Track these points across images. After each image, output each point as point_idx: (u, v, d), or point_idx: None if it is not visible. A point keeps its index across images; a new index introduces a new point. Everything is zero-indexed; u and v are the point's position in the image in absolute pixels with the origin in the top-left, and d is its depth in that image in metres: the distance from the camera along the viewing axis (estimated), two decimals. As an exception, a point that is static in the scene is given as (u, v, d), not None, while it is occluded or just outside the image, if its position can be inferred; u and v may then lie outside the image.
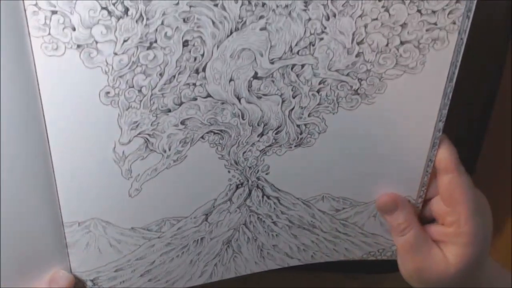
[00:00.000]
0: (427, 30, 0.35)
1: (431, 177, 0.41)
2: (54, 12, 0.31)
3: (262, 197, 0.41)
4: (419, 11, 0.34)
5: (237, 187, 0.40)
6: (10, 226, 0.37)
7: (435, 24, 0.35)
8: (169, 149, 0.37)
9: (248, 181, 0.40)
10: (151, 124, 0.36)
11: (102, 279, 0.41)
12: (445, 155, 0.40)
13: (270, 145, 0.39)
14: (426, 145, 0.39)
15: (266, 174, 0.40)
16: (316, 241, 0.45)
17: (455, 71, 0.36)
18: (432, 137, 0.39)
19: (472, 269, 0.41)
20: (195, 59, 0.34)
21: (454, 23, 0.35)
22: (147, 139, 0.36)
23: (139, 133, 0.36)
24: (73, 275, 0.40)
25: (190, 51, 0.34)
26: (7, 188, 0.35)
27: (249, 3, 0.33)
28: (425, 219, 0.44)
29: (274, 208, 0.42)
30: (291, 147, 0.39)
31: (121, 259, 0.40)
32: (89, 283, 0.41)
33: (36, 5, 0.31)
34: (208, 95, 0.36)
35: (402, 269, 0.44)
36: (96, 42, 0.32)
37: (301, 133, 0.39)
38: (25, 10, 0.31)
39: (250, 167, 0.40)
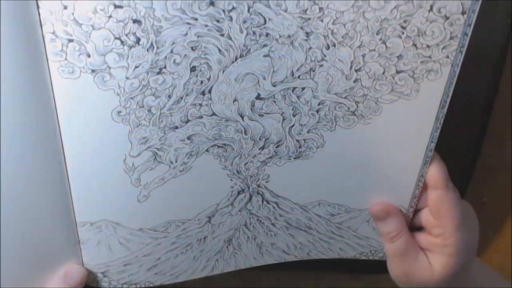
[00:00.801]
0: (421, 62, 0.37)
1: (422, 190, 0.44)
2: (70, 40, 0.33)
3: (262, 201, 0.44)
4: (414, 45, 0.36)
5: (238, 193, 0.43)
6: (29, 225, 0.40)
7: (430, 57, 0.37)
8: (176, 161, 0.40)
9: (249, 188, 0.43)
10: (159, 139, 0.38)
11: (111, 272, 0.44)
12: (435, 172, 0.42)
13: (270, 157, 0.42)
14: (418, 163, 0.42)
15: (266, 182, 0.43)
16: (312, 241, 0.48)
17: (447, 99, 0.38)
18: (424, 156, 0.41)
19: (455, 277, 0.44)
20: (201, 82, 0.37)
21: (447, 57, 0.36)
22: (155, 152, 0.39)
23: (148, 147, 0.38)
24: (85, 268, 0.43)
25: (197, 76, 0.36)
26: (27, 194, 0.38)
27: (254, 33, 0.35)
28: (414, 226, 0.46)
29: (273, 212, 0.45)
30: (290, 159, 0.42)
31: (130, 255, 0.44)
32: (99, 275, 0.44)
33: (53, 33, 0.33)
34: (213, 114, 0.38)
35: (391, 271, 0.47)
36: (109, 68, 0.35)
37: (300, 147, 0.41)
38: (43, 37, 0.33)
39: (251, 176, 0.42)
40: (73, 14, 0.32)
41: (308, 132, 0.41)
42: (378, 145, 0.41)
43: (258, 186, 0.43)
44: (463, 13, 0.35)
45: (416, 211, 0.46)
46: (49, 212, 0.40)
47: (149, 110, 0.37)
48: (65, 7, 0.32)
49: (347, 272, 0.55)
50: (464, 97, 0.48)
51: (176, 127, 0.38)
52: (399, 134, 0.40)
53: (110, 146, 0.38)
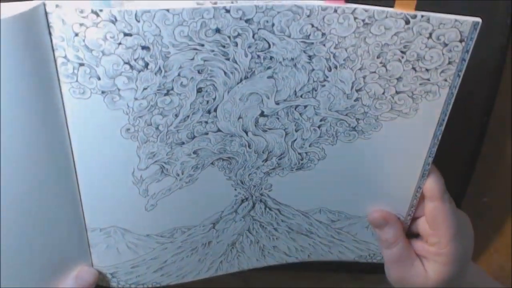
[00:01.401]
0: (420, 84, 0.38)
1: (420, 200, 0.45)
2: (81, 64, 0.35)
3: (265, 209, 0.46)
4: (413, 68, 0.37)
5: (242, 201, 0.45)
6: (43, 230, 0.42)
7: (428, 79, 0.38)
8: (182, 173, 0.41)
9: (252, 196, 0.45)
10: (167, 154, 0.40)
11: (120, 273, 0.46)
12: (432, 185, 0.44)
13: (273, 168, 0.43)
14: (415, 176, 0.43)
15: (269, 191, 0.45)
16: (313, 244, 0.50)
17: (445, 118, 0.40)
18: (421, 169, 0.43)
19: (448, 283, 0.46)
20: (207, 102, 0.38)
21: (445, 80, 0.38)
22: (162, 166, 0.40)
23: (156, 161, 0.40)
24: (96, 269, 0.46)
25: (203, 96, 0.38)
26: (42, 204, 0.40)
27: (258, 56, 0.36)
28: (411, 234, 0.48)
29: (275, 218, 0.47)
30: (292, 170, 0.44)
31: (137, 259, 0.46)
32: (108, 276, 0.47)
33: (65, 57, 0.34)
34: (219, 130, 0.40)
35: (388, 275, 0.49)
36: (119, 90, 0.36)
37: (302, 159, 0.43)
38: (55, 61, 0.35)
39: (254, 186, 0.44)
40: (84, 40, 0.34)
41: (310, 146, 0.42)
42: (377, 159, 0.43)
43: (261, 194, 0.45)
44: (461, 40, 0.36)
45: (414, 219, 0.47)
46: (62, 219, 0.42)
47: (157, 128, 0.38)
48: (76, 34, 0.33)
49: (347, 272, 0.57)
50: (464, 98, 0.49)
51: (183, 143, 0.40)
52: (398, 150, 0.42)
53: (119, 160, 0.39)
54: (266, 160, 0.42)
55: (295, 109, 0.40)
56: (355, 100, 0.39)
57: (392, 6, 0.35)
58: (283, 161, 0.43)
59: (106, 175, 0.40)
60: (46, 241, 0.42)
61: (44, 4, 0.33)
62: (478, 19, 0.35)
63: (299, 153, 0.42)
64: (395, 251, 0.46)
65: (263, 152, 0.42)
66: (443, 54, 0.36)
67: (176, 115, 0.38)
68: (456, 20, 0.35)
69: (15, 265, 0.42)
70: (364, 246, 0.50)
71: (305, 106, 0.40)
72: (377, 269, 0.53)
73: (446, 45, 0.36)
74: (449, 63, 0.37)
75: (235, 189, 0.44)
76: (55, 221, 0.42)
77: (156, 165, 0.40)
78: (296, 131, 0.41)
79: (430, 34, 0.35)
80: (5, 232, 0.40)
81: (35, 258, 0.43)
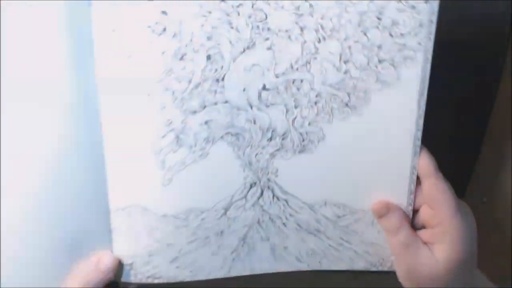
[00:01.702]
0: (398, 50, 0.44)
1: (417, 186, 0.48)
2: (113, 30, 0.43)
3: (273, 197, 0.50)
4: (390, 34, 0.44)
5: (251, 186, 0.49)
6: (68, 212, 0.46)
7: (404, 44, 0.44)
8: (195, 145, 0.47)
9: (260, 181, 0.49)
10: (181, 122, 0.46)
11: (137, 264, 0.49)
12: (424, 162, 0.47)
13: (278, 149, 0.48)
14: (408, 153, 0.47)
15: (276, 176, 0.49)
16: (322, 247, 0.52)
17: (425, 85, 0.45)
18: (413, 145, 0.47)
19: (459, 266, 0.47)
20: (216, 70, 0.45)
21: (419, 43, 0.44)
22: (177, 135, 0.46)
23: (172, 129, 0.46)
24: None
25: (212, 64, 0.45)
26: (67, 182, 0.46)
27: (257, 27, 0.44)
28: (416, 227, 0.50)
29: (284, 210, 0.50)
30: (295, 153, 0.48)
31: (154, 245, 0.49)
32: (126, 268, 0.49)
33: (99, 23, 0.43)
34: (226, 101, 0.46)
35: (397, 270, 0.50)
36: (142, 53, 0.43)
37: (303, 140, 0.48)
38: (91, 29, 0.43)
39: (261, 169, 0.48)
40: (115, 5, 0.42)
41: (309, 124, 0.47)
42: (370, 137, 0.47)
43: (268, 180, 0.49)
44: (426, 1, 0.43)
45: (415, 212, 0.50)
46: (87, 199, 0.47)
47: (173, 94, 0.45)
48: (111, 3, 0.42)
49: (347, 271, 0.56)
50: (464, 97, 0.52)
51: (195, 112, 0.46)
52: (388, 123, 0.47)
53: (142, 128, 0.45)
54: (270, 139, 0.48)
55: (293, 83, 0.46)
56: (344, 73, 0.45)
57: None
58: (286, 142, 0.48)
59: (129, 145, 0.46)
60: (68, 222, 0.47)
61: None
62: None
63: (300, 133, 0.47)
64: (401, 237, 0.48)
65: (267, 130, 0.47)
66: (413, 17, 0.43)
67: (189, 81, 0.45)
68: None
69: (36, 247, 0.46)
70: (372, 249, 0.52)
71: (301, 81, 0.46)
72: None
73: (414, 7, 0.43)
74: (420, 25, 0.43)
75: (244, 171, 0.48)
76: (81, 202, 0.46)
77: (172, 134, 0.46)
78: (295, 107, 0.47)
79: (398, -2, 0.43)
80: (30, 212, 0.45)
81: (58, 241, 0.47)
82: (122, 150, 0.46)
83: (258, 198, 0.49)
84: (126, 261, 0.49)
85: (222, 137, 0.47)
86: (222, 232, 0.50)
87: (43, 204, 0.46)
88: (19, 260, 0.46)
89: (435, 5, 0.43)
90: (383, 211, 0.49)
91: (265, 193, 0.49)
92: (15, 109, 0.43)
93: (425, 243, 0.48)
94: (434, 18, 0.43)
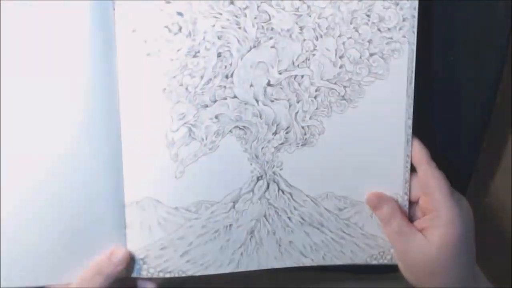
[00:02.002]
0: (386, 43, 0.50)
1: (415, 178, 0.52)
2: (133, 31, 0.47)
3: (278, 191, 0.53)
4: (379, 29, 0.50)
5: (257, 179, 0.52)
6: (84, 205, 0.49)
7: (391, 38, 0.50)
8: (206, 138, 0.50)
9: (266, 174, 0.52)
10: (193, 116, 0.50)
11: (150, 257, 0.51)
12: (417, 150, 0.52)
13: (282, 143, 0.52)
14: (401, 141, 0.52)
15: (280, 169, 0.53)
16: (326, 241, 0.55)
17: (412, 75, 0.51)
18: (404, 133, 0.52)
19: (453, 251, 0.49)
20: (225, 67, 0.49)
21: (404, 36, 0.50)
22: (190, 128, 0.50)
23: (185, 123, 0.49)
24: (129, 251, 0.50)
25: (222, 61, 0.49)
26: (83, 177, 0.48)
27: (262, 27, 0.49)
28: (417, 218, 0.53)
29: (288, 204, 0.53)
30: (298, 146, 0.52)
31: (166, 238, 0.51)
32: (139, 263, 0.51)
33: (122, 25, 0.47)
34: (235, 96, 0.50)
35: (398, 262, 0.53)
36: (159, 51, 0.48)
37: (305, 134, 0.52)
38: (114, 30, 0.47)
39: (267, 162, 0.52)
40: (137, 9, 0.47)
41: (310, 118, 0.52)
42: (365, 128, 0.52)
43: (274, 173, 0.53)
44: None
45: (411, 204, 0.54)
46: (103, 194, 0.49)
47: (186, 89, 0.49)
48: (132, 5, 0.47)
49: (347, 271, 0.57)
50: (464, 97, 0.54)
51: (207, 106, 0.50)
52: (381, 113, 0.52)
53: (156, 120, 0.49)
54: (275, 133, 0.52)
55: (295, 79, 0.51)
56: (340, 67, 0.51)
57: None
58: (290, 136, 0.52)
59: (145, 138, 0.49)
60: (84, 215, 0.49)
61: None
62: None
63: (302, 127, 0.52)
64: (394, 226, 0.51)
65: (272, 124, 0.52)
66: (397, 12, 0.49)
67: (202, 77, 0.49)
68: None
69: (52, 240, 0.48)
70: (372, 241, 0.55)
71: (302, 76, 0.51)
72: (377, 269, 0.56)
73: (397, 4, 0.49)
74: (403, 20, 0.50)
75: (251, 164, 0.52)
76: (96, 197, 0.49)
77: (185, 127, 0.50)
78: (298, 102, 0.51)
79: (384, -5, 0.49)
80: (46, 206, 0.47)
81: (73, 234, 0.49)
82: (138, 144, 0.49)
83: (265, 192, 0.52)
84: (139, 255, 0.51)
85: (230, 130, 0.51)
86: (231, 225, 0.52)
87: (59, 198, 0.48)
88: (34, 253, 0.48)
89: (416, 3, 0.49)
90: (375, 202, 0.53)
91: (271, 186, 0.52)
92: (34, 104, 0.46)
93: (421, 230, 0.51)
94: (415, 13, 0.49)
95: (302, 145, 0.52)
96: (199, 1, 0.47)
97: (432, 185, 0.50)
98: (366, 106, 0.51)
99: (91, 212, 0.49)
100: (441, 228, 0.49)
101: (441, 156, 0.54)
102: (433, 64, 0.53)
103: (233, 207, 0.52)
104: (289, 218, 0.53)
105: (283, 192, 0.53)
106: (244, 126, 0.50)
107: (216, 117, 0.50)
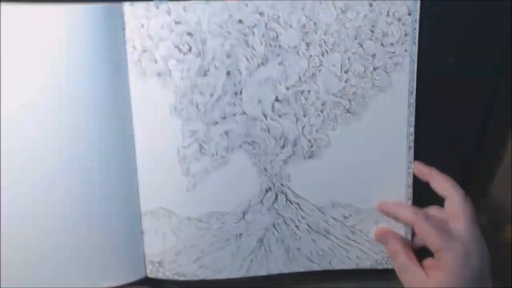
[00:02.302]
0: (389, 58, 0.52)
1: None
2: (144, 51, 0.48)
3: (286, 201, 0.55)
4: (382, 44, 0.51)
5: (266, 191, 0.54)
6: (104, 216, 0.51)
7: (394, 52, 0.51)
8: (216, 154, 0.52)
9: (274, 186, 0.54)
10: (204, 133, 0.51)
11: (165, 262, 0.53)
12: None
13: (290, 156, 0.54)
14: (403, 149, 0.54)
15: (288, 181, 0.54)
16: (332, 247, 0.57)
17: (414, 85, 0.52)
18: (406, 141, 0.54)
19: None
20: (234, 85, 0.51)
21: (406, 50, 0.51)
22: (201, 144, 0.51)
23: (196, 139, 0.51)
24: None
25: (231, 79, 0.50)
26: (104, 184, 0.50)
27: (270, 45, 0.50)
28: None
29: (296, 213, 0.55)
30: (305, 159, 0.54)
31: (180, 245, 0.53)
32: (156, 266, 0.53)
33: (133, 46, 0.48)
34: (244, 113, 0.52)
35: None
36: (170, 71, 0.49)
37: (312, 147, 0.54)
38: (126, 51, 0.48)
39: (276, 174, 0.54)
40: (147, 30, 0.48)
41: (316, 131, 0.53)
42: (370, 139, 0.53)
43: (282, 185, 0.54)
44: (409, 13, 0.50)
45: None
46: (120, 204, 0.51)
47: (197, 107, 0.50)
48: (142, 26, 0.48)
49: (348, 272, 0.59)
50: (464, 98, 0.54)
51: (216, 122, 0.51)
52: (384, 124, 0.53)
53: (168, 138, 0.50)
54: (283, 146, 0.53)
55: (302, 94, 0.52)
56: (345, 82, 0.52)
57: None
58: (297, 149, 0.54)
59: (157, 154, 0.51)
60: (105, 226, 0.51)
61: (121, 6, 0.48)
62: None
63: (309, 140, 0.53)
64: (398, 261, 0.53)
65: (280, 138, 0.53)
66: (399, 28, 0.51)
67: (211, 95, 0.50)
68: None
69: (71, 248, 0.51)
70: (377, 247, 0.57)
71: (309, 91, 0.52)
72: (377, 270, 0.58)
73: (400, 19, 0.50)
74: (405, 34, 0.51)
75: (260, 177, 0.54)
76: (115, 207, 0.51)
77: (196, 144, 0.51)
78: (304, 116, 0.53)
79: (388, 12, 0.50)
80: (65, 215, 0.49)
81: (93, 241, 0.51)
82: (152, 159, 0.50)
83: (273, 203, 0.54)
84: (155, 259, 0.53)
85: (240, 145, 0.52)
86: (241, 234, 0.54)
87: (78, 207, 0.50)
88: (51, 261, 0.50)
89: (416, 15, 0.50)
90: (382, 238, 0.55)
91: (279, 197, 0.54)
92: (53, 123, 0.48)
93: (428, 266, 0.51)
94: (417, 26, 0.51)
95: (309, 158, 0.53)
96: (208, 21, 0.48)
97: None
98: (370, 118, 0.53)
99: (111, 220, 0.51)
100: (440, 272, 0.50)
101: (441, 156, 0.55)
102: (433, 64, 0.53)
103: (243, 217, 0.54)
104: (296, 226, 0.55)
105: (291, 202, 0.54)
106: (253, 141, 0.52)
107: (226, 133, 0.51)
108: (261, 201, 0.54)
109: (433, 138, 0.55)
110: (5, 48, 0.45)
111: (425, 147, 0.55)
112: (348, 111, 0.52)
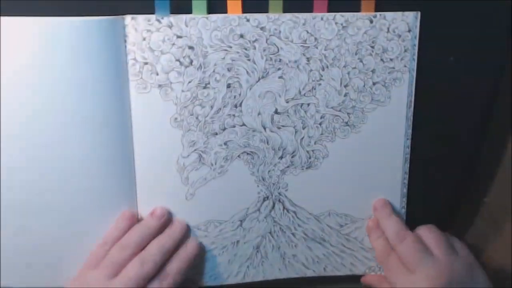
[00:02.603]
0: (389, 73, 0.52)
1: None
2: (145, 63, 0.49)
3: (283, 210, 0.56)
4: (382, 60, 0.51)
5: (264, 200, 0.55)
6: (101, 226, 0.52)
7: (393, 68, 0.52)
8: (215, 163, 0.53)
9: (272, 195, 0.55)
10: (204, 143, 0.52)
11: None
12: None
13: (288, 166, 0.55)
14: (399, 161, 0.55)
15: (286, 190, 0.55)
16: (327, 254, 0.58)
17: (412, 99, 0.52)
18: (403, 153, 0.54)
19: None
20: (234, 97, 0.51)
21: (405, 66, 0.52)
22: (200, 154, 0.52)
23: (195, 150, 0.52)
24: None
25: (231, 91, 0.51)
26: (101, 190, 0.51)
27: (271, 59, 0.51)
28: None
29: (293, 221, 0.56)
30: (303, 169, 0.55)
31: None
32: None
33: (134, 59, 0.49)
34: (243, 124, 0.52)
35: None
36: (171, 83, 0.50)
37: (310, 157, 0.55)
38: (127, 63, 0.49)
39: (273, 184, 0.55)
40: (149, 43, 0.49)
41: (315, 143, 0.54)
42: (367, 151, 0.54)
43: (279, 194, 0.55)
44: (409, 30, 0.51)
45: None
46: (120, 209, 0.52)
47: (197, 118, 0.51)
48: (144, 39, 0.49)
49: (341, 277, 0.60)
50: (464, 98, 0.55)
51: (216, 133, 0.52)
52: (382, 137, 0.54)
53: (168, 148, 0.51)
54: (281, 157, 0.54)
55: (301, 107, 0.53)
56: (344, 95, 0.53)
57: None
58: (295, 159, 0.54)
59: (157, 163, 0.52)
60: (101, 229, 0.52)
61: (123, 18, 0.48)
62: (417, 12, 0.50)
63: (307, 151, 0.54)
64: None
65: (278, 149, 0.54)
66: (399, 44, 0.51)
67: (211, 107, 0.51)
68: (403, 14, 0.50)
69: (69, 254, 0.51)
70: (371, 254, 0.58)
71: (308, 104, 0.53)
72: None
73: (400, 36, 0.51)
74: (405, 50, 0.51)
75: (258, 186, 0.55)
76: (114, 212, 0.52)
77: (195, 154, 0.52)
78: (303, 128, 0.53)
79: (388, 28, 0.51)
80: (65, 221, 0.50)
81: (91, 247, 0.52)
82: (151, 168, 0.51)
83: (270, 211, 0.55)
84: None
85: (239, 156, 0.53)
86: (238, 241, 0.56)
87: (76, 213, 0.51)
88: (46, 261, 0.52)
89: (416, 32, 0.51)
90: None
91: (276, 206, 0.55)
92: (49, 123, 0.49)
93: None
94: (416, 42, 0.51)
95: (307, 168, 0.54)
96: (210, 35, 0.49)
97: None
98: (368, 131, 0.53)
99: (107, 227, 0.52)
100: None
101: (441, 157, 0.56)
102: (433, 65, 0.54)
103: (241, 225, 0.55)
104: (293, 234, 0.56)
105: (287, 211, 0.55)
106: (251, 152, 0.53)
107: (225, 143, 0.52)
108: (259, 209, 0.55)
109: (433, 138, 0.56)
110: (6, 60, 0.45)
111: (425, 147, 0.56)
112: (346, 124, 0.53)
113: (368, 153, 0.54)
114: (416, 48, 0.51)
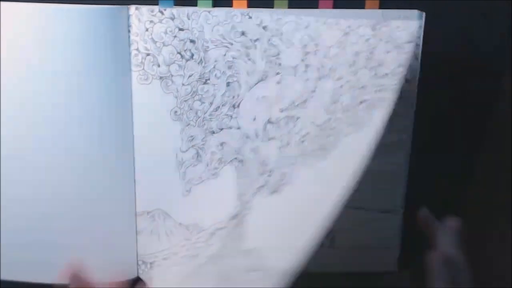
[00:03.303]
0: (375, 92, 0.47)
1: None
2: (148, 54, 0.49)
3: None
4: (376, 74, 0.48)
5: (232, 218, 0.51)
6: (99, 219, 0.50)
7: (383, 85, 0.47)
8: (211, 163, 0.52)
9: (239, 214, 0.50)
10: (201, 140, 0.51)
11: (155, 264, 0.52)
12: None
13: (262, 186, 0.50)
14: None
15: (248, 214, 0.49)
16: None
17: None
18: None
19: None
20: (233, 97, 0.51)
21: (395, 84, 0.46)
22: (198, 151, 0.51)
23: (193, 145, 0.51)
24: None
25: (230, 90, 0.51)
26: (101, 184, 0.50)
27: (270, 61, 0.52)
28: None
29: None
30: (271, 193, 0.48)
31: (170, 249, 0.52)
32: (148, 266, 0.52)
33: (137, 49, 0.49)
34: (239, 127, 0.52)
35: None
36: (172, 75, 0.50)
37: (282, 180, 0.49)
38: (130, 53, 0.49)
39: (246, 202, 0.50)
40: (151, 34, 0.49)
41: (292, 164, 0.49)
42: (335, 177, 0.43)
43: (243, 216, 0.50)
44: (409, 42, 0.51)
45: None
46: (116, 204, 0.51)
47: (196, 113, 0.51)
48: (147, 29, 0.49)
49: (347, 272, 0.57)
50: (464, 98, 0.54)
51: (213, 132, 0.51)
52: (353, 162, 0.42)
53: (168, 141, 0.50)
54: (261, 174, 0.51)
55: (291, 119, 0.52)
56: (331, 114, 0.49)
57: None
58: (270, 179, 0.50)
59: (158, 155, 0.51)
60: (101, 225, 0.50)
61: (128, 8, 0.49)
62: (421, 22, 0.50)
63: (282, 173, 0.49)
64: None
65: (261, 164, 0.51)
66: (395, 57, 0.49)
67: (211, 104, 0.51)
68: (406, 22, 0.49)
69: (67, 246, 0.50)
70: None
71: (297, 118, 0.51)
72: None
73: (399, 47, 0.51)
74: (399, 66, 0.48)
75: (236, 199, 0.51)
76: (111, 206, 0.50)
77: (193, 149, 0.51)
78: (287, 144, 0.51)
79: (389, 37, 0.51)
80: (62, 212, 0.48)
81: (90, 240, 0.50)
82: (151, 160, 0.51)
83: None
84: (148, 259, 0.52)
85: (231, 161, 0.52)
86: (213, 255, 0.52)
87: (74, 205, 0.49)
88: (44, 255, 0.50)
89: (419, 42, 0.50)
90: None
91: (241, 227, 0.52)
92: (49, 112, 0.48)
93: None
94: (419, 56, 0.51)
95: (272, 193, 0.48)
96: (211, 30, 0.49)
97: None
98: (339, 157, 0.45)
99: (105, 219, 0.51)
100: None
101: (441, 157, 0.55)
102: (433, 65, 0.53)
103: (211, 237, 0.52)
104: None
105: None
106: (242, 160, 0.52)
107: (221, 144, 0.51)
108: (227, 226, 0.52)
109: (433, 138, 0.56)
110: (8, 47, 0.45)
111: (425, 147, 0.55)
112: (321, 146, 0.48)
113: (337, 178, 0.42)
114: (419, 62, 0.50)
